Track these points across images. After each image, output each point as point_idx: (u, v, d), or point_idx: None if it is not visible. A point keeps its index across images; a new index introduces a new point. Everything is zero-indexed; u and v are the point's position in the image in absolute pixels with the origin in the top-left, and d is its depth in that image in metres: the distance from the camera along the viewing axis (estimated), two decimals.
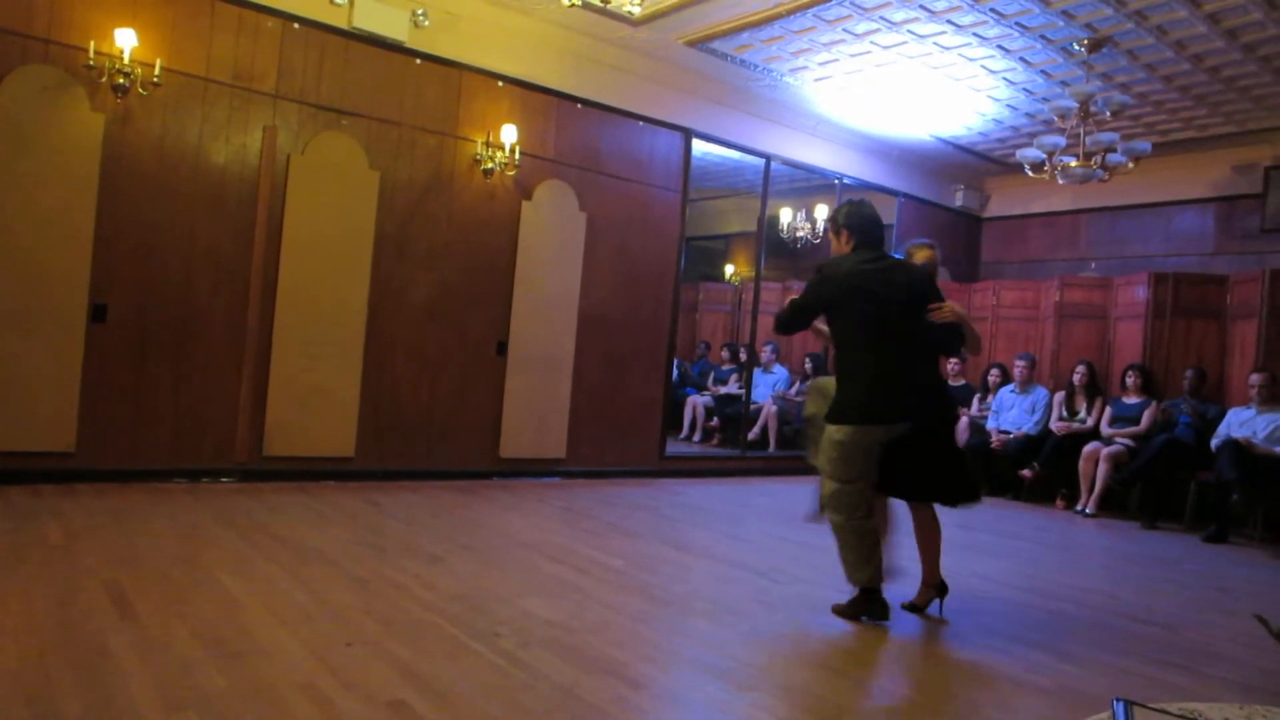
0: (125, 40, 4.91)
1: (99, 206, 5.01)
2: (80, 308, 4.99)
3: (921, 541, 3.80)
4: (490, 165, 6.32)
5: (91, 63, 4.85)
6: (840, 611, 3.62)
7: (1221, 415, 6.99)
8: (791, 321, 3.81)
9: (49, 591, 3.07)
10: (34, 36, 4.84)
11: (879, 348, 3.57)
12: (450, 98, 6.26)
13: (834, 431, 3.56)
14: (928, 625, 3.70)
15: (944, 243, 9.84)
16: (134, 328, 5.18)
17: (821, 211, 9.01)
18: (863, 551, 3.54)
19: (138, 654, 2.56)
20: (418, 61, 6.09)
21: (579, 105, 6.86)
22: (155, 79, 5.02)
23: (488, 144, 6.33)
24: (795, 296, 3.88)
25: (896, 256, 3.97)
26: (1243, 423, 6.73)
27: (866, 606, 3.57)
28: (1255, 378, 6.77)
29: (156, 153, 5.21)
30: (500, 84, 6.46)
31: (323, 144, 5.73)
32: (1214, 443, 6.76)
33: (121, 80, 4.92)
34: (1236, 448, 6.45)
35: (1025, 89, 7.10)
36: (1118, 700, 1.02)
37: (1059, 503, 7.62)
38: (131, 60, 4.93)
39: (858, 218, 3.75)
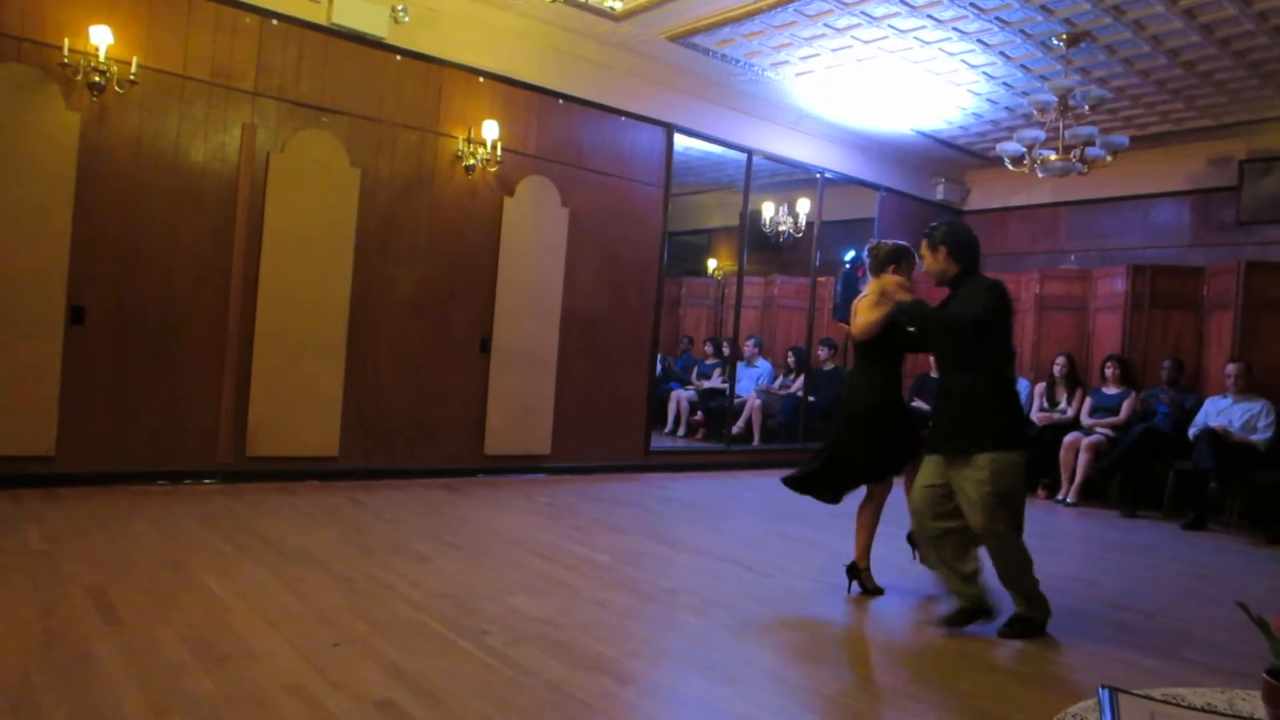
0: (100, 38, 4.85)
1: (76, 207, 4.96)
2: (58, 310, 4.94)
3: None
4: (472, 161, 6.30)
5: (66, 60, 4.79)
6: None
7: (1199, 405, 7.08)
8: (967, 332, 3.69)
9: (31, 598, 3.04)
10: (6, 34, 4.77)
11: None
12: (431, 94, 6.24)
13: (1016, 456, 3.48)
14: (913, 618, 3.74)
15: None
16: (113, 329, 5.13)
17: (803, 205, 9.03)
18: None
19: (123, 659, 2.55)
20: (398, 58, 6.06)
21: (560, 101, 6.85)
22: (132, 77, 4.97)
23: (469, 140, 6.31)
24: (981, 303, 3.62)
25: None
26: (1219, 412, 6.82)
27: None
28: (1231, 367, 6.85)
29: (134, 152, 5.16)
30: (481, 80, 6.43)
31: (302, 141, 5.70)
32: (1191, 432, 6.84)
33: (97, 78, 4.87)
34: (1213, 436, 6.53)
35: (1005, 83, 7.14)
36: (1103, 687, 1.04)
37: (1040, 492, 7.69)
38: (107, 58, 4.88)
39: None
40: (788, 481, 4.05)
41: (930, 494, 3.55)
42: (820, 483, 3.99)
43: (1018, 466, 3.44)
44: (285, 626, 2.94)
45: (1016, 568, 3.48)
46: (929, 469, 3.59)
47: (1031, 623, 3.47)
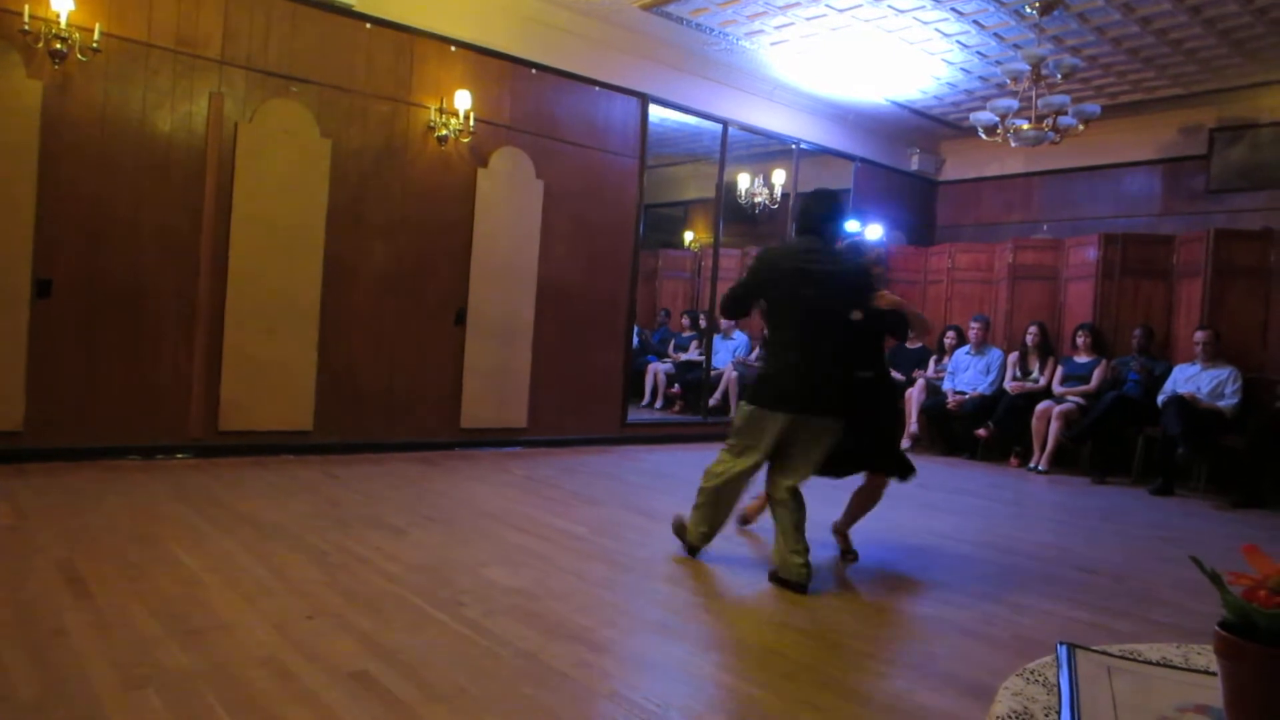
0: (62, 4, 4.73)
1: (40, 178, 4.86)
2: (23, 284, 4.85)
3: (856, 501, 4.10)
4: (444, 132, 6.23)
5: (27, 27, 4.67)
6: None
7: (1168, 372, 7.18)
8: (731, 305, 3.92)
9: (0, 574, 3.01)
10: None
11: (803, 336, 3.69)
12: (402, 63, 6.14)
13: (742, 405, 3.77)
14: (886, 583, 3.78)
15: (900, 207, 9.97)
16: (81, 302, 5.05)
17: (779, 176, 9.02)
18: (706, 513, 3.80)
19: (94, 634, 2.53)
20: (368, 26, 5.96)
21: (533, 70, 6.77)
22: (94, 44, 4.86)
23: (441, 110, 6.23)
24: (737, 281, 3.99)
25: (845, 244, 4.05)
26: (1188, 379, 6.92)
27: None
28: (1200, 335, 6.95)
29: (98, 121, 5.06)
30: (453, 49, 6.34)
31: (271, 111, 5.60)
32: (1160, 399, 6.94)
33: (59, 46, 4.76)
34: (1182, 403, 6.63)
35: (978, 52, 7.14)
36: (1061, 644, 1.06)
37: (1013, 460, 7.79)
38: (69, 25, 4.77)
39: (798, 207, 4.00)
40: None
41: None
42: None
43: (742, 414, 3.72)
44: (259, 600, 2.93)
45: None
46: None
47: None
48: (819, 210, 3.80)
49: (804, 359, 3.64)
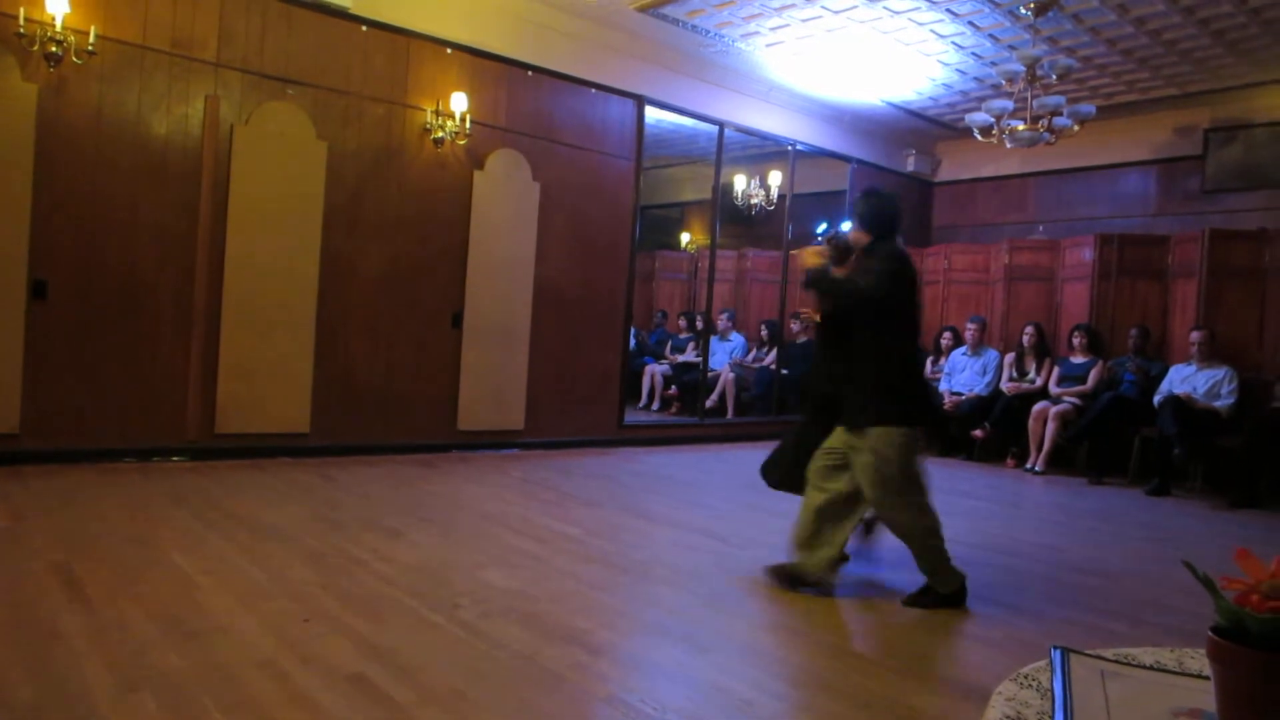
0: (57, 7, 4.72)
1: (36, 180, 4.85)
2: (19, 285, 4.84)
3: None
4: (440, 134, 6.23)
5: (22, 31, 4.66)
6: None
7: (1164, 372, 7.19)
8: (866, 308, 3.48)
9: None
10: None
11: (914, 343, 3.65)
12: (398, 65, 6.14)
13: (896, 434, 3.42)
14: (882, 585, 3.79)
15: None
16: (77, 304, 5.04)
17: (775, 178, 9.02)
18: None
19: (90, 636, 2.53)
20: (363, 28, 5.96)
21: (529, 73, 6.77)
22: (90, 47, 4.85)
23: (437, 113, 6.23)
24: (876, 275, 3.47)
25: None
26: (1184, 379, 6.93)
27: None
28: (1195, 335, 6.96)
29: (94, 124, 5.05)
30: (449, 51, 6.34)
31: (267, 114, 5.60)
32: (1156, 399, 6.95)
33: (54, 49, 4.74)
34: (1178, 403, 6.65)
35: (974, 53, 7.15)
36: (1055, 648, 1.06)
37: (1009, 461, 7.80)
38: (64, 28, 4.75)
39: (867, 214, 3.63)
40: (770, 484, 4.12)
41: (825, 458, 3.58)
42: (794, 476, 3.82)
43: (904, 443, 3.43)
44: (255, 602, 2.93)
45: (910, 538, 3.50)
46: (835, 435, 3.58)
47: (933, 594, 3.43)
48: (888, 212, 3.59)
49: (920, 368, 3.63)
